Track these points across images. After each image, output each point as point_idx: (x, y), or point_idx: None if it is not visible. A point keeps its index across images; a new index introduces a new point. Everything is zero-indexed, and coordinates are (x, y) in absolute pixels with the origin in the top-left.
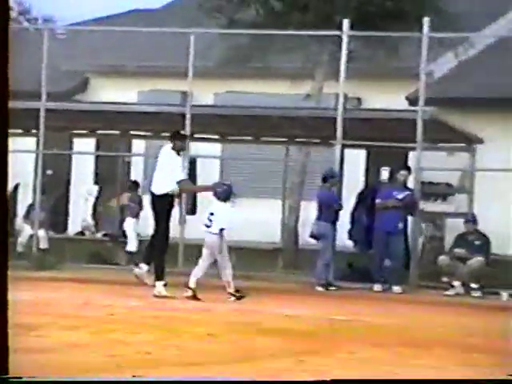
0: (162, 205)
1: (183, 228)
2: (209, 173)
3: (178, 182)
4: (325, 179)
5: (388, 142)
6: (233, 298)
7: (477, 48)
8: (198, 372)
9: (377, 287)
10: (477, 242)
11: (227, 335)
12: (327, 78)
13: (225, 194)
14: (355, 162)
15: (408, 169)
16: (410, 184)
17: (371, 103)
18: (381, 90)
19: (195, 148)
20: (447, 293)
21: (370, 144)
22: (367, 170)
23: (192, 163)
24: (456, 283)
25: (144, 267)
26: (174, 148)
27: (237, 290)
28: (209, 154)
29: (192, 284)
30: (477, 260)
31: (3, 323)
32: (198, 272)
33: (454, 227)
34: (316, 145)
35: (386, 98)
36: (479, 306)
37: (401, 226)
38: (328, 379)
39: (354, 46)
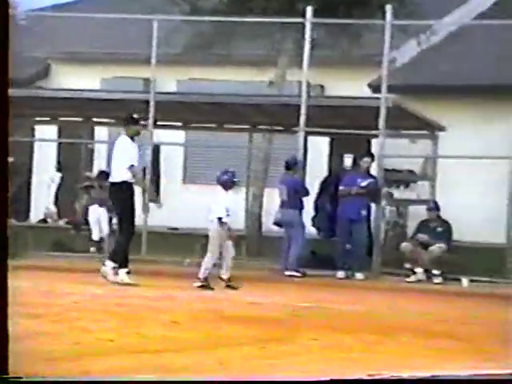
0: (122, 193)
1: (146, 216)
2: (172, 160)
3: (130, 167)
4: (288, 166)
5: (351, 129)
6: (197, 284)
7: (439, 36)
8: (161, 359)
9: (340, 274)
10: (439, 229)
11: (191, 323)
12: (290, 66)
13: (228, 182)
14: (318, 149)
15: (371, 156)
16: (374, 171)
17: (334, 91)
18: (344, 77)
19: (159, 135)
20: (409, 279)
21: (333, 131)
22: (330, 158)
23: (155, 150)
24: (418, 270)
25: (109, 264)
26: (127, 133)
27: (205, 280)
28: (172, 141)
29: (223, 276)
30: (438, 246)
31: (3, 324)
32: (224, 264)
33: (417, 214)
34: (279, 132)
35: (349, 86)
36: (441, 293)
37: (364, 213)
38: (327, 379)
39: (317, 33)
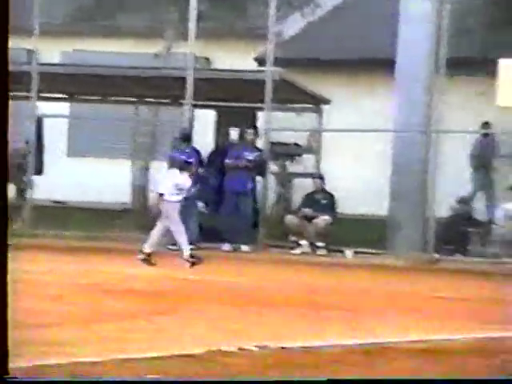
0: None
1: (30, 189)
2: (56, 133)
3: None
4: (183, 139)
5: (237, 102)
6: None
7: (324, 9)
8: (43, 334)
9: (225, 247)
10: (323, 202)
11: (74, 296)
12: (176, 38)
13: (182, 162)
14: (205, 122)
15: (256, 129)
16: (260, 144)
17: (220, 63)
18: (230, 49)
19: (42, 107)
20: (294, 251)
21: (220, 104)
22: (217, 131)
23: (39, 123)
24: (303, 242)
25: None
26: None
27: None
28: (56, 113)
29: (146, 249)
30: (323, 219)
31: (3, 324)
32: (152, 236)
33: (302, 187)
34: (165, 105)
35: (236, 58)
36: (325, 264)
37: (250, 186)
38: (325, 378)
39: (203, 5)
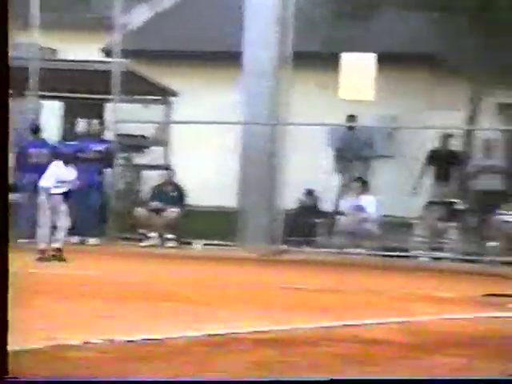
0: None
1: None
2: None
3: None
4: (35, 131)
5: (84, 93)
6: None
7: (171, 0)
8: None
9: (73, 239)
10: (172, 194)
11: None
12: (19, 28)
13: (68, 155)
14: (52, 113)
15: (103, 120)
16: (107, 136)
17: (67, 54)
18: (77, 40)
19: None
20: (143, 244)
21: (66, 95)
22: (64, 122)
23: None
24: (152, 234)
25: None
26: None
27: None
28: None
29: (52, 245)
30: (171, 211)
31: (3, 323)
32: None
33: (150, 179)
34: (10, 96)
35: (82, 49)
36: (174, 256)
37: (97, 178)
38: (327, 378)
39: None
